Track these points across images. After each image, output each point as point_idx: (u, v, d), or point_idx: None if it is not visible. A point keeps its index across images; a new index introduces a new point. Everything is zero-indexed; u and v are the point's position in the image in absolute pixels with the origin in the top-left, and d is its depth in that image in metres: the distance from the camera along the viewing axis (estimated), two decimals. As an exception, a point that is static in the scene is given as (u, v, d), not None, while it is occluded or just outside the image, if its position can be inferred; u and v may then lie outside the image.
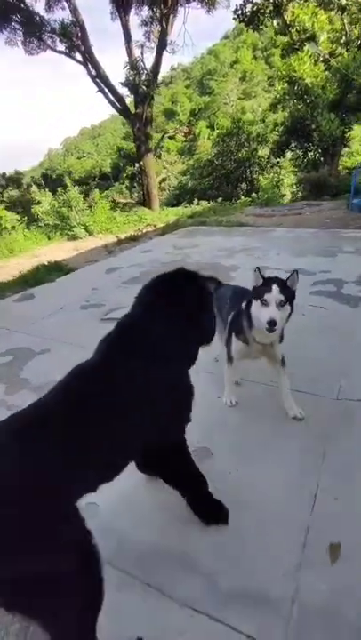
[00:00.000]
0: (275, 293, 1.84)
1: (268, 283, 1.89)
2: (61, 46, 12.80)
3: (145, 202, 13.82)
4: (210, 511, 1.62)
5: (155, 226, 9.99)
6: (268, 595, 1.35)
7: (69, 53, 12.63)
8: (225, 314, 2.31)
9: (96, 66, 12.36)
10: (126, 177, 16.50)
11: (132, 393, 1.29)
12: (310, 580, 1.39)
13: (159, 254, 6.20)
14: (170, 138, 26.00)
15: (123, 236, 8.89)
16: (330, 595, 1.34)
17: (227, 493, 1.76)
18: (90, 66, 12.44)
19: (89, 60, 12.34)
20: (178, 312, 1.43)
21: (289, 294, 1.87)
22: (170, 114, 45.46)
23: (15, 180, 15.02)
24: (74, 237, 9.55)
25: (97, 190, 10.58)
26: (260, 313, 1.89)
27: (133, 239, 8.65)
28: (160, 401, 1.36)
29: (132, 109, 13.00)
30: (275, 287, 1.85)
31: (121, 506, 1.75)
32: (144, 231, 9.42)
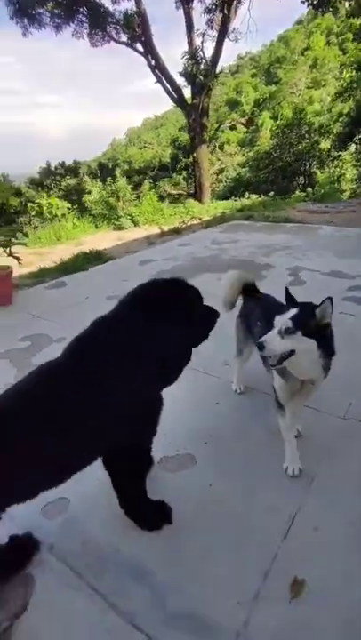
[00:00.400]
0: (284, 317, 1.56)
1: (289, 306, 1.62)
2: (124, 37, 12.96)
3: (196, 194, 13.71)
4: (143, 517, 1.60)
5: (200, 219, 9.85)
6: (214, 623, 1.27)
7: (131, 44, 12.74)
8: (256, 337, 1.91)
9: (156, 56, 12.35)
10: (180, 168, 16.47)
11: (86, 396, 1.26)
12: (263, 615, 1.28)
13: (196, 248, 6.11)
14: (231, 129, 25.51)
15: (166, 229, 8.88)
16: (278, 634, 1.23)
17: (201, 506, 1.69)
18: (150, 56, 12.47)
19: (149, 50, 12.37)
20: (153, 324, 1.36)
21: (309, 326, 1.52)
22: (233, 104, 44.56)
23: (73, 169, 15.58)
24: (120, 227, 9.70)
25: (147, 181, 10.62)
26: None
27: (176, 232, 8.60)
28: (115, 409, 1.31)
29: (190, 100, 12.88)
30: (291, 311, 1.56)
31: (92, 503, 1.74)
32: (188, 224, 9.33)
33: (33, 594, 1.38)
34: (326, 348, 1.57)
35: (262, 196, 12.34)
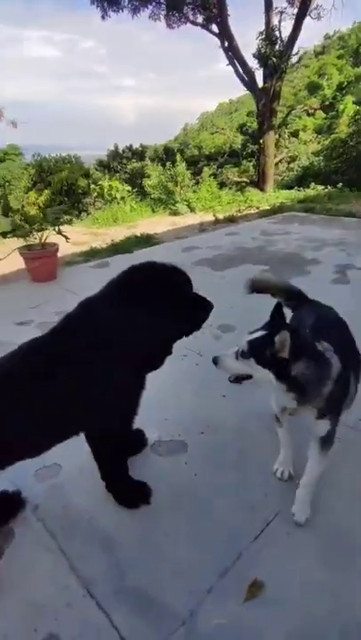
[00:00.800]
0: (244, 340, 1.40)
1: (268, 324, 1.40)
2: (200, 18, 12.71)
3: (259, 182, 13.26)
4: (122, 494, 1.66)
5: (257, 208, 9.56)
6: (162, 607, 1.29)
7: (206, 25, 12.46)
8: None
9: (230, 37, 11.96)
10: (247, 155, 15.99)
11: (62, 374, 1.32)
12: (211, 609, 1.28)
13: (243, 238, 5.97)
14: (309, 115, 24.07)
15: (221, 216, 8.75)
16: (222, 630, 1.22)
17: (180, 493, 1.71)
18: (224, 38, 12.11)
19: (224, 31, 12.01)
20: (134, 307, 1.37)
21: (263, 355, 1.31)
22: (313, 88, 42.00)
23: (140, 153, 15.82)
24: (175, 213, 9.73)
25: (206, 167, 10.46)
26: None
27: (231, 220, 8.45)
28: (90, 388, 1.36)
29: (262, 84, 12.37)
30: (256, 333, 1.39)
31: (81, 472, 1.82)
32: (244, 213, 9.11)
33: (9, 546, 1.51)
34: (294, 385, 1.32)
35: (329, 188, 11.63)
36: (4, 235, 8.02)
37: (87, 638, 1.22)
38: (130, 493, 1.66)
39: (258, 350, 1.34)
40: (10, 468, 1.48)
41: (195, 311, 1.54)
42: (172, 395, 2.38)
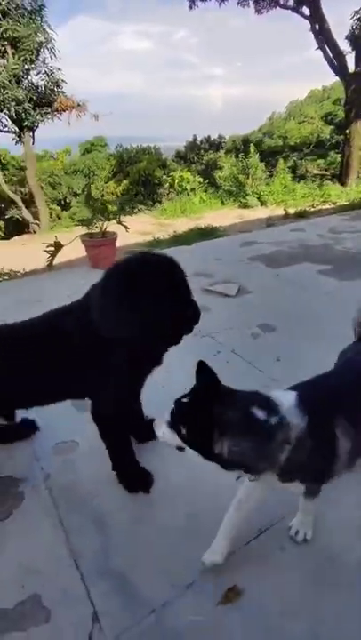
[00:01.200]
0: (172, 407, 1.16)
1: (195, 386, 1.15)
2: (290, 0, 12.11)
3: (341, 175, 12.39)
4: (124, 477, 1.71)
5: (334, 203, 8.97)
6: (138, 592, 1.32)
7: (296, 7, 11.83)
8: None
9: (321, 19, 11.22)
10: (330, 146, 15.00)
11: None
12: (185, 604, 1.28)
13: (309, 235, 5.66)
14: None
15: (292, 211, 8.38)
16: (189, 626, 1.22)
17: (182, 490, 1.71)
18: (314, 20, 11.39)
19: (315, 13, 11.30)
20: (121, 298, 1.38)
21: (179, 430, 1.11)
22: None
23: (217, 144, 15.71)
24: (245, 206, 9.54)
25: (282, 160, 10.00)
26: None
27: (301, 215, 8.06)
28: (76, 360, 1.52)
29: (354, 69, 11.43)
30: (181, 400, 1.15)
31: (95, 452, 1.90)
32: (318, 208, 8.61)
33: (17, 509, 1.65)
34: (226, 464, 1.10)
35: None
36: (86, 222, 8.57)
37: (65, 605, 1.30)
38: (132, 477, 1.71)
39: (176, 423, 1.11)
40: (34, 437, 1.86)
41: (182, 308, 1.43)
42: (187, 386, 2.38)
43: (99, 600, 1.31)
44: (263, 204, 9.66)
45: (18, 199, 11.95)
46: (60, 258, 5.07)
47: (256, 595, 1.30)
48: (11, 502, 1.67)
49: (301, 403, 1.10)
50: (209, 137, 15.91)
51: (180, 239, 6.44)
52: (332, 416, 1.12)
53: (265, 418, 1.06)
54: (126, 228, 4.83)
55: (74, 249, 5.08)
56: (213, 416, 1.05)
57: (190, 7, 13.27)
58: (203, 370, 1.11)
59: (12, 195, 11.85)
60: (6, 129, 10.49)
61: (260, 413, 1.06)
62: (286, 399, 1.11)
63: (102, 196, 15.54)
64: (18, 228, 13.14)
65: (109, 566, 1.41)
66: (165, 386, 1.90)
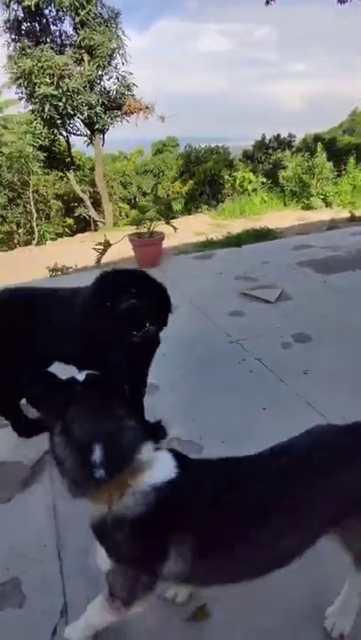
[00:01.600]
0: None
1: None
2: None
3: None
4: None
5: None
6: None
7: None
8: None
9: None
10: None
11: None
12: (156, 612, 1.27)
13: (371, 240, 5.24)
14: None
15: (359, 214, 7.83)
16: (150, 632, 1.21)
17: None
18: None
19: None
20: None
21: None
22: None
23: (287, 142, 15.14)
24: (309, 207, 9.08)
25: (352, 158, 9.28)
26: None
27: (369, 218, 7.49)
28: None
29: None
30: None
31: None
32: (391, 211, 7.93)
33: (21, 494, 1.76)
34: None
35: None
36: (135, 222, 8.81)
37: (41, 592, 1.36)
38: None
39: None
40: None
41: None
42: (209, 395, 2.33)
43: (71, 594, 1.35)
44: (328, 205, 9.13)
45: (86, 198, 12.63)
46: (115, 256, 5.28)
47: (225, 620, 1.24)
48: (14, 487, 1.78)
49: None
50: (278, 135, 15.39)
51: (232, 241, 6.32)
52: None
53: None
54: (175, 228, 4.87)
55: (126, 247, 5.27)
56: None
57: (267, 2, 12.99)
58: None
59: (81, 194, 12.55)
60: (79, 132, 11.12)
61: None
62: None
63: (167, 195, 15.87)
64: (86, 225, 13.92)
65: (87, 563, 1.44)
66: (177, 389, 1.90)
